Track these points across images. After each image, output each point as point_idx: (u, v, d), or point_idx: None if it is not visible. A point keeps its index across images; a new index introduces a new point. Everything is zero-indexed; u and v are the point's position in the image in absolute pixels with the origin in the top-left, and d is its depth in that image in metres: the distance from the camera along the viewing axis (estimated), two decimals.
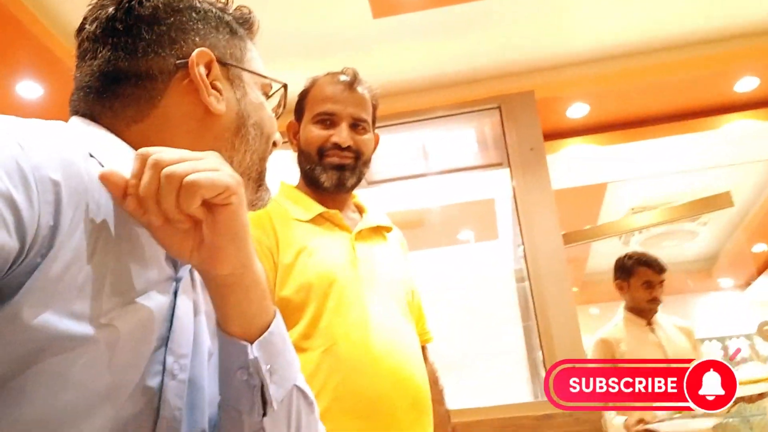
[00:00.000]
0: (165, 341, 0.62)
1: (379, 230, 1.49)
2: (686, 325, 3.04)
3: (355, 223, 1.45)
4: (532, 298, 3.40)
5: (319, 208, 1.40)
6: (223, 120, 0.70)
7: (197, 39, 0.70)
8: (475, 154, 4.22)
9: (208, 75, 0.69)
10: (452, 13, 3.22)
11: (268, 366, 0.62)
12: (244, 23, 0.77)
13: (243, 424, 0.63)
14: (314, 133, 1.42)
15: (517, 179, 3.59)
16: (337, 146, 1.40)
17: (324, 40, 3.34)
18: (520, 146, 3.62)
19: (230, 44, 0.73)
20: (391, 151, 4.16)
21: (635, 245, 6.56)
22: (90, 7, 0.72)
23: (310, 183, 1.44)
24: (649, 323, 2.91)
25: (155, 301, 0.61)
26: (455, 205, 4.66)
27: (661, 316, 2.99)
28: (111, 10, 0.69)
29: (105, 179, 0.56)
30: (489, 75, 3.74)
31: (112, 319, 0.56)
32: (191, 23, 0.70)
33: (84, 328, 0.54)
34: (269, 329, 0.64)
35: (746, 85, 3.81)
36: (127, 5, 0.69)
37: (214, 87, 0.70)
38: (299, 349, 1.14)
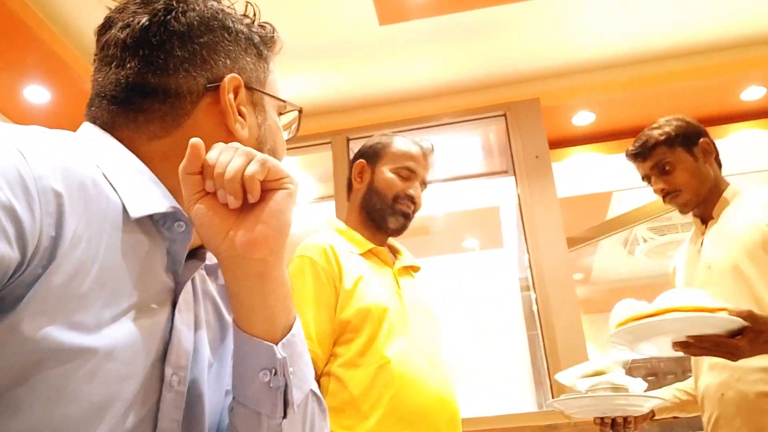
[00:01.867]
0: (164, 353, 0.61)
1: (409, 269, 1.72)
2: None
3: (392, 260, 1.69)
4: (537, 306, 3.39)
5: (369, 244, 1.63)
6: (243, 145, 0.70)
7: (228, 61, 0.70)
8: (481, 162, 4.21)
9: (235, 99, 0.69)
10: (458, 21, 3.23)
11: (291, 369, 0.63)
12: (269, 43, 0.77)
13: (261, 426, 0.63)
14: (396, 181, 1.66)
15: (522, 187, 3.58)
16: (410, 198, 1.66)
17: (330, 46, 3.34)
18: (525, 154, 3.62)
19: (256, 67, 0.73)
20: None
21: (640, 254, 6.54)
22: (118, 9, 0.70)
23: (370, 221, 1.68)
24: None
25: (154, 313, 0.61)
26: (460, 213, 4.65)
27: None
28: (145, 20, 0.68)
29: (195, 147, 0.58)
30: (495, 82, 3.75)
31: (112, 330, 0.56)
32: (223, 44, 0.70)
33: (83, 340, 0.53)
34: (292, 331, 0.64)
35: (752, 94, 3.80)
36: (162, 18, 0.68)
37: (239, 112, 0.70)
38: (354, 365, 1.44)
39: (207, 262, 0.74)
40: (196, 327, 0.68)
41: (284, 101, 0.76)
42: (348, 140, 3.80)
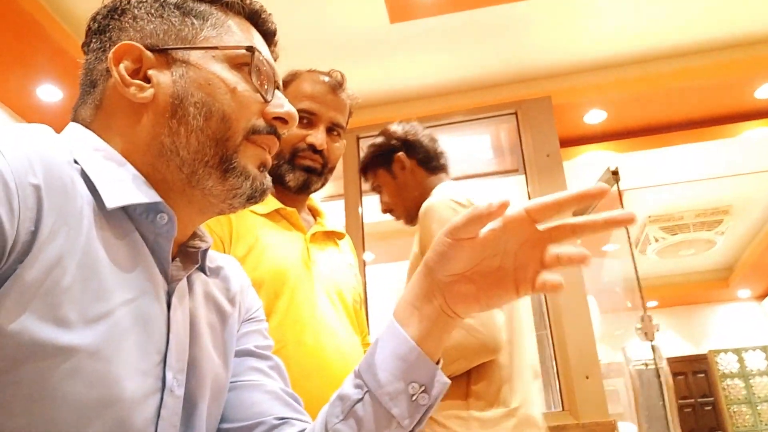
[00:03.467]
0: (164, 356, 0.61)
1: (332, 235, 1.44)
2: None
3: (309, 225, 1.41)
4: (546, 306, 3.38)
5: (276, 204, 1.34)
6: (155, 106, 0.66)
7: (132, 33, 0.69)
8: (491, 160, 4.20)
9: (141, 67, 0.67)
10: (469, 19, 3.22)
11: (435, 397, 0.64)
12: (216, 2, 0.72)
13: (390, 427, 0.64)
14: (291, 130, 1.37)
15: (533, 186, 3.56)
16: (312, 148, 1.35)
17: (341, 44, 3.34)
18: (536, 152, 3.60)
19: (176, 27, 0.69)
20: None
21: (651, 254, 6.51)
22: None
23: (273, 179, 1.36)
24: None
25: (146, 313, 0.60)
26: None
27: None
28: (90, 23, 0.73)
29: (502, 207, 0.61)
30: (505, 80, 3.73)
31: (97, 328, 0.55)
32: (132, 21, 0.70)
33: (64, 337, 0.52)
34: (439, 364, 0.66)
35: (766, 92, 3.76)
36: (94, 16, 0.72)
37: (145, 76, 0.67)
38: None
39: (209, 264, 0.74)
40: (195, 330, 0.67)
41: (209, 47, 0.69)
42: (358, 138, 3.80)
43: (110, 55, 0.67)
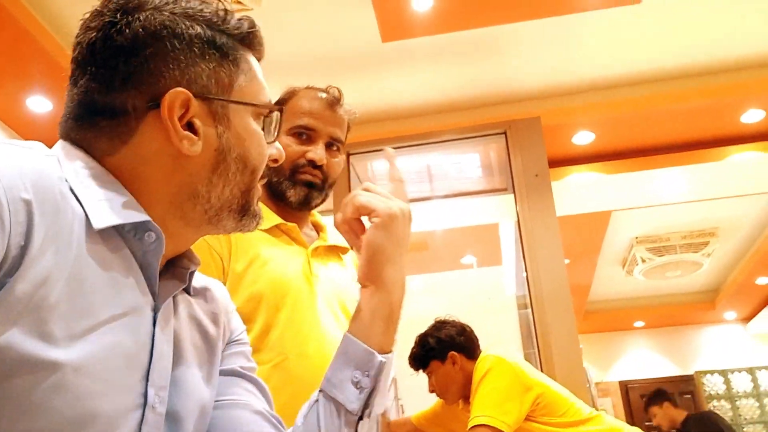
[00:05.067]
0: (146, 373, 0.61)
1: (335, 250, 1.44)
2: None
3: (312, 240, 1.40)
4: (534, 325, 3.38)
5: (276, 219, 1.34)
6: (199, 159, 0.66)
7: (176, 72, 0.65)
8: (480, 179, 4.22)
9: (186, 113, 0.65)
10: (460, 39, 3.25)
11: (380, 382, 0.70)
12: (243, 41, 0.71)
13: (340, 419, 0.69)
14: (290, 147, 1.35)
15: (521, 205, 3.58)
16: (312, 163, 1.35)
17: (333, 62, 3.36)
18: (525, 172, 3.63)
19: (216, 72, 0.67)
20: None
21: (638, 275, 6.54)
22: (81, 25, 0.69)
23: (274, 195, 1.38)
24: None
25: (132, 330, 0.60)
26: (459, 230, 4.65)
27: None
28: (93, 35, 0.66)
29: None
30: (495, 100, 3.77)
31: (83, 344, 0.55)
32: (173, 53, 0.66)
33: (49, 352, 0.52)
34: (389, 354, 0.72)
35: (752, 116, 3.82)
36: (107, 33, 0.65)
37: (192, 125, 0.66)
38: None
39: (194, 284, 0.74)
40: (179, 349, 0.67)
41: (255, 104, 0.70)
42: (348, 155, 3.81)
43: (166, 98, 0.64)
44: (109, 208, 0.61)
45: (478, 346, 2.27)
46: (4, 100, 3.22)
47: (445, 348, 2.21)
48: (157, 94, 0.65)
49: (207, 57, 0.67)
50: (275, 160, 0.75)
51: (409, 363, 2.29)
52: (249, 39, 0.72)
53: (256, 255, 1.25)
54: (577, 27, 3.22)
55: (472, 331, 2.30)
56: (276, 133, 0.75)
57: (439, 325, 2.30)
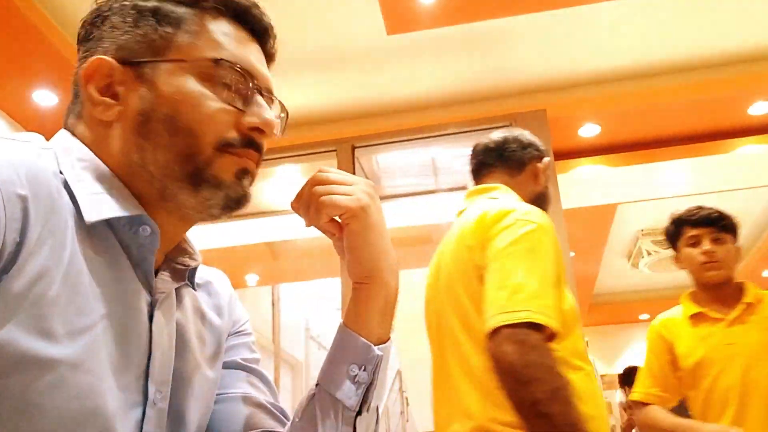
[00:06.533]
0: (146, 369, 0.61)
1: None
2: None
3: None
4: None
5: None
6: (125, 124, 0.65)
7: (107, 44, 0.67)
8: None
9: (111, 82, 0.66)
10: (466, 31, 3.24)
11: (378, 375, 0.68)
12: (195, 4, 0.68)
13: (337, 414, 0.67)
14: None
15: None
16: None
17: (338, 55, 3.36)
18: None
19: (149, 36, 0.66)
20: (401, 166, 4.16)
21: (644, 267, 6.52)
22: None
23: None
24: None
25: (128, 326, 0.60)
26: None
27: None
28: (80, 29, 0.71)
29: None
30: (501, 93, 3.75)
31: (81, 341, 0.55)
32: (110, 30, 0.67)
33: (48, 349, 0.52)
34: (384, 345, 0.69)
35: (760, 109, 3.79)
36: (83, 21, 0.71)
37: (113, 93, 0.66)
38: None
39: (198, 278, 0.74)
40: (184, 342, 0.67)
41: (183, 59, 0.66)
42: (353, 148, 3.81)
43: (80, 71, 0.66)
44: (101, 201, 0.61)
45: None
46: (11, 94, 3.23)
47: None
48: None
49: (140, 24, 0.67)
50: (258, 130, 0.67)
51: (715, 222, 2.11)
52: (207, 2, 0.69)
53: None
54: (583, 20, 3.21)
55: None
56: (249, 97, 0.67)
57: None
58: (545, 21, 3.19)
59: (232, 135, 0.66)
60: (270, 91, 0.71)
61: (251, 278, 6.12)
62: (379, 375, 0.68)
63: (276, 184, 4.13)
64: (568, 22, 3.23)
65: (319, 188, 0.68)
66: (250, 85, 0.68)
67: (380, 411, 0.71)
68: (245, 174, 0.67)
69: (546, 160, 1.59)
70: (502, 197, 1.47)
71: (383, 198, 4.03)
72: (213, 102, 0.65)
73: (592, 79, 3.68)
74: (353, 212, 0.67)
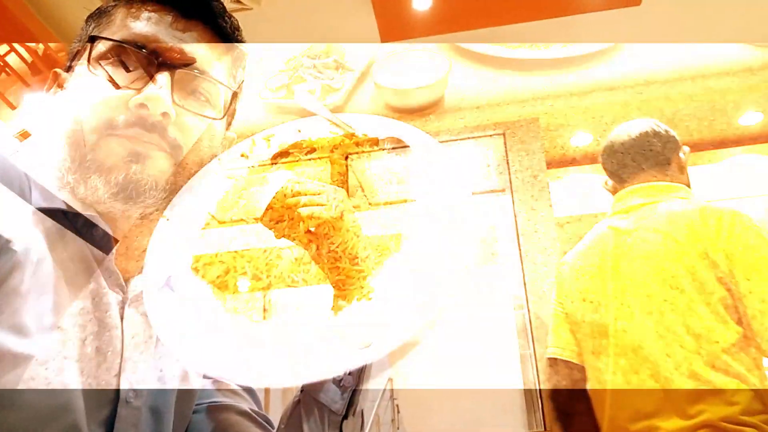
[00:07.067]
0: (119, 368, 0.61)
1: None
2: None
3: None
4: (531, 326, 3.38)
5: None
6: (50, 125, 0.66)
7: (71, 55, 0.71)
8: (478, 180, 4.22)
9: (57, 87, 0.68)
10: (459, 40, 3.25)
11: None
12: None
13: (323, 418, 0.66)
14: None
15: (519, 206, 3.58)
16: None
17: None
18: (523, 173, 3.63)
19: (82, 34, 0.67)
20: (394, 173, 4.16)
21: None
22: None
23: None
24: None
25: (95, 324, 0.60)
26: None
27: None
28: None
29: None
30: (494, 101, 3.76)
31: (51, 337, 0.55)
32: (77, 42, 0.69)
33: (21, 345, 0.52)
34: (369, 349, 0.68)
35: (750, 119, 3.82)
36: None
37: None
38: None
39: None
40: (155, 341, 0.67)
41: (76, 51, 0.65)
42: (346, 156, 3.81)
43: (50, 75, 0.68)
44: (54, 196, 0.61)
45: None
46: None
47: None
48: None
49: (88, 23, 0.68)
50: (143, 105, 0.62)
51: None
52: None
53: None
54: (576, 29, 3.22)
55: None
56: (134, 74, 0.63)
57: None
58: (539, 29, 3.21)
59: (117, 115, 0.62)
60: (173, 60, 0.65)
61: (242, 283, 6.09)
62: (365, 379, 0.68)
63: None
64: (560, 31, 3.24)
65: (292, 200, 0.67)
66: (128, 59, 0.64)
67: (367, 417, 0.70)
68: (135, 159, 0.62)
69: None
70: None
71: (375, 205, 4.02)
72: (95, 85, 0.63)
73: (584, 88, 3.69)
74: (331, 221, 0.67)
